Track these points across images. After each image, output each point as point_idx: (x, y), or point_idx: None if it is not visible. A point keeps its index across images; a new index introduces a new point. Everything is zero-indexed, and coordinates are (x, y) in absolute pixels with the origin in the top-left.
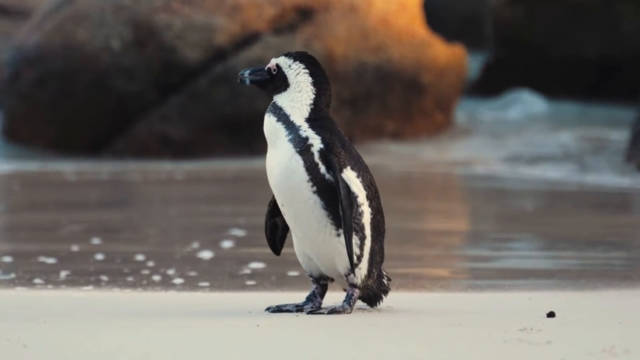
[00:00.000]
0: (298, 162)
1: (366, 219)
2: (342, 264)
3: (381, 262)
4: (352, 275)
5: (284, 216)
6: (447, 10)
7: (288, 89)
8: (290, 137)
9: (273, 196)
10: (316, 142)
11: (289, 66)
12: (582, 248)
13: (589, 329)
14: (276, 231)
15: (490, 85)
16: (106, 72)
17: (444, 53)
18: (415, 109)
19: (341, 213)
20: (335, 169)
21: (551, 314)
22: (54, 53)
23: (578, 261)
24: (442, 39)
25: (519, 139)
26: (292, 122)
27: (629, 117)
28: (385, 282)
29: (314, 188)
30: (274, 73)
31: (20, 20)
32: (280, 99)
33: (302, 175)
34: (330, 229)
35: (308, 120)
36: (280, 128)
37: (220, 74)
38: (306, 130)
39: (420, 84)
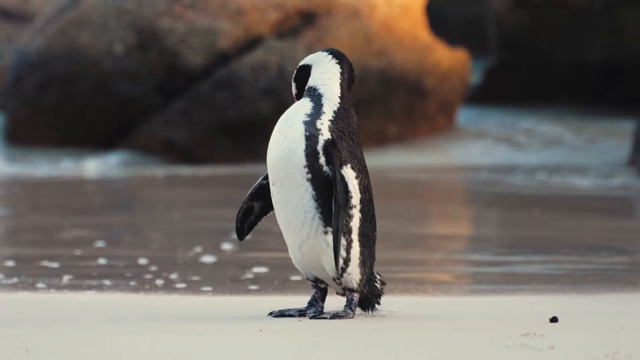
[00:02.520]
0: (301, 145)
1: (354, 223)
2: (330, 264)
3: (371, 266)
4: (343, 278)
5: (273, 199)
6: (449, 14)
7: (312, 69)
8: (307, 119)
9: (260, 179)
10: (325, 133)
11: (302, 61)
12: (585, 253)
13: (592, 334)
14: (249, 215)
15: (492, 89)
16: (109, 76)
17: (447, 57)
18: (418, 113)
19: (334, 208)
20: (335, 163)
21: (554, 319)
22: (57, 57)
23: (581, 266)
24: (444, 43)
25: (519, 144)
26: (321, 104)
27: (631, 121)
28: (378, 286)
29: (309, 175)
30: (298, 90)
31: (23, 24)
32: (311, 79)
33: (301, 158)
34: (317, 223)
35: (338, 109)
36: (307, 106)
37: (223, 78)
38: (324, 123)
39: (423, 88)
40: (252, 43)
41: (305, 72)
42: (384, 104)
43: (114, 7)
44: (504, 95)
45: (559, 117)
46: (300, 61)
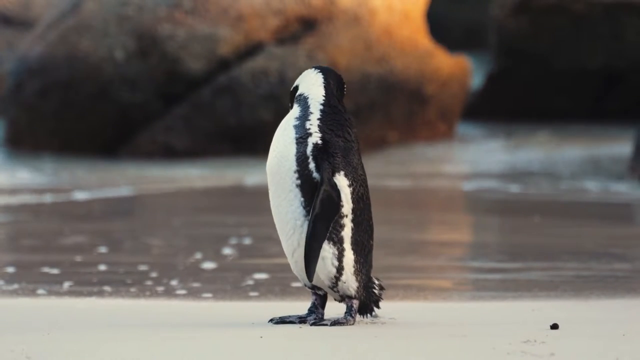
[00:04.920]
0: (292, 149)
1: (346, 232)
2: (323, 273)
3: (368, 273)
4: (338, 286)
5: (270, 203)
6: (450, 21)
7: (299, 86)
8: (297, 123)
9: None
10: (315, 135)
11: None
12: (586, 259)
13: (593, 341)
14: None
15: (492, 96)
16: (110, 82)
17: (447, 64)
18: (418, 120)
19: (310, 214)
20: (323, 171)
21: (555, 326)
22: (58, 63)
23: (581, 273)
24: (445, 50)
25: (521, 151)
26: (308, 105)
27: (632, 128)
28: (376, 292)
29: (299, 181)
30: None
31: (24, 31)
32: (298, 93)
33: (292, 163)
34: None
35: (324, 106)
36: (295, 111)
37: (223, 84)
38: (313, 123)
39: (423, 94)
40: (252, 49)
41: (294, 93)
42: (385, 110)
43: (114, 13)
44: (504, 101)
45: (559, 124)
46: (300, 68)
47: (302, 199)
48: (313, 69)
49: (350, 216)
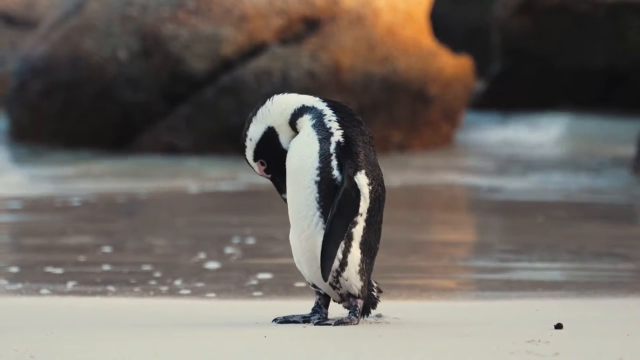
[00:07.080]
0: (315, 147)
1: (357, 230)
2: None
3: (369, 276)
4: (339, 282)
5: (287, 195)
6: (453, 21)
7: (275, 120)
8: (314, 122)
9: None
10: (337, 134)
11: (253, 133)
12: (589, 260)
13: (597, 341)
14: None
15: (495, 96)
16: (113, 82)
17: (451, 64)
18: (421, 120)
19: (330, 215)
20: (346, 169)
21: (559, 326)
22: (61, 63)
23: (585, 272)
24: (448, 50)
25: (524, 152)
26: (315, 108)
27: (636, 128)
28: (374, 294)
29: (318, 178)
30: (267, 164)
31: (27, 31)
32: (287, 117)
33: (314, 160)
34: (317, 220)
35: (327, 102)
36: (307, 117)
37: (226, 84)
38: (330, 119)
39: (426, 94)
40: (255, 49)
41: (270, 138)
42: (388, 110)
43: (117, 13)
44: (507, 101)
45: (561, 124)
46: (303, 69)
47: (317, 195)
48: (276, 96)
49: (364, 215)
